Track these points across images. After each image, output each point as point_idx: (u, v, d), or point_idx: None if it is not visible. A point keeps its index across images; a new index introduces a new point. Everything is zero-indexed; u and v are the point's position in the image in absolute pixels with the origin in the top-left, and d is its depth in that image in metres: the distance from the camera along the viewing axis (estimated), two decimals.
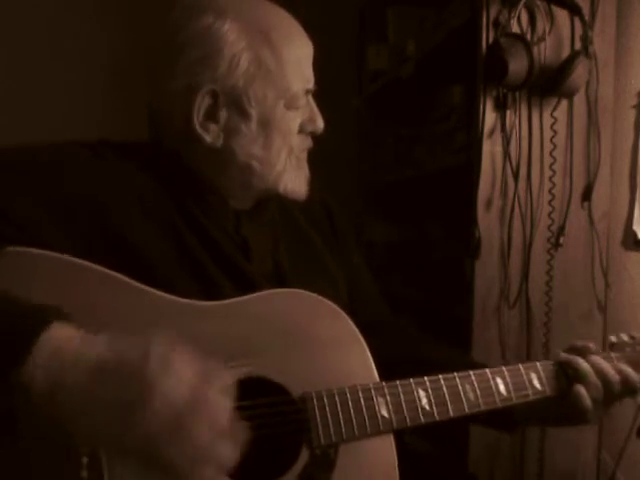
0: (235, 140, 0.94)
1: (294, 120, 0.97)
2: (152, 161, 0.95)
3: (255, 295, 0.87)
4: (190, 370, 0.69)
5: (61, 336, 0.68)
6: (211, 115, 0.93)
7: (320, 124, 1.01)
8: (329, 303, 0.90)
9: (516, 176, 1.54)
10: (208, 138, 0.93)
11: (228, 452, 0.69)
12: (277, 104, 0.94)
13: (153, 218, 0.90)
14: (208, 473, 0.69)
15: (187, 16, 0.93)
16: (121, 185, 0.90)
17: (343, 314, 0.91)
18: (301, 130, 0.99)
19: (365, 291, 1.16)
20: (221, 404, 0.69)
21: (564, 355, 1.03)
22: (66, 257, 0.78)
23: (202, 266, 0.90)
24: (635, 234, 1.61)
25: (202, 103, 0.92)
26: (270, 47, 0.93)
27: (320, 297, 0.91)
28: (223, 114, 0.93)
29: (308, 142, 1.02)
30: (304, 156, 1.02)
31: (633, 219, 1.62)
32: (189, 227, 0.92)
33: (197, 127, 0.92)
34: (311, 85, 0.99)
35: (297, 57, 0.96)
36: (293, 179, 0.99)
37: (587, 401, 0.98)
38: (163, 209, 0.92)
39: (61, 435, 0.68)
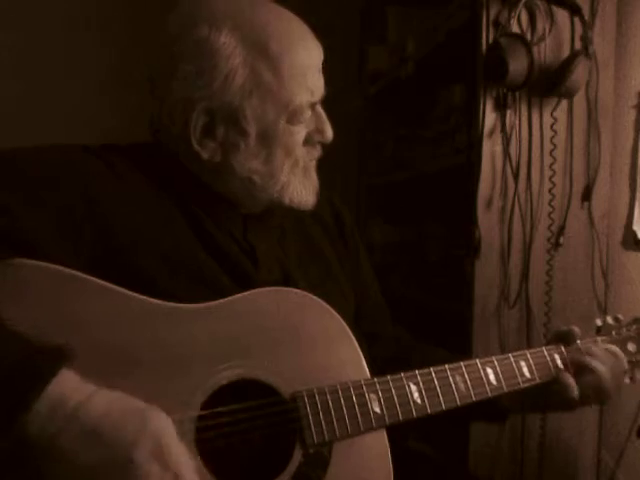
0: (234, 156, 0.91)
1: (298, 133, 0.94)
2: (156, 165, 0.93)
3: (241, 295, 0.86)
4: (169, 473, 0.67)
5: (59, 394, 0.66)
6: (208, 131, 0.90)
7: (329, 134, 0.97)
8: (315, 299, 0.90)
9: (516, 176, 1.54)
10: (205, 154, 0.91)
11: None
12: (278, 119, 0.91)
13: (157, 225, 0.88)
14: None
15: (183, 26, 0.90)
16: (124, 191, 0.88)
17: (330, 310, 0.90)
18: (308, 141, 0.96)
19: (369, 300, 1.14)
20: None
21: (572, 356, 1.04)
22: (59, 268, 0.77)
23: (208, 275, 0.88)
24: (635, 234, 1.61)
25: (198, 120, 0.89)
26: (269, 61, 0.89)
27: (306, 293, 0.90)
28: (220, 131, 0.90)
29: (316, 152, 0.99)
30: (312, 165, 0.99)
31: (633, 219, 1.62)
32: (195, 234, 0.91)
33: (194, 143, 0.90)
34: (318, 97, 0.95)
35: (300, 69, 0.91)
36: (299, 191, 0.96)
37: (575, 392, 1.00)
38: (168, 215, 0.90)
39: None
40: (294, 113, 0.92)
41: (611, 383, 1.02)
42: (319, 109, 0.97)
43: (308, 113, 0.94)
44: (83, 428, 0.66)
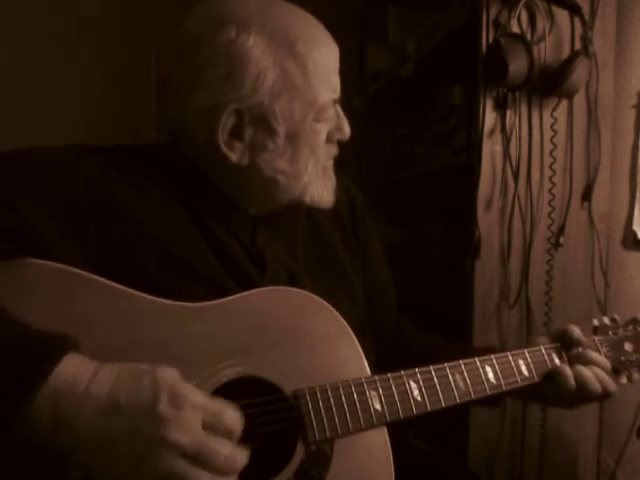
0: (261, 156, 0.92)
1: (322, 131, 0.95)
2: (165, 166, 0.93)
3: (242, 294, 0.87)
4: (196, 413, 0.70)
5: (69, 374, 0.67)
6: (236, 133, 0.90)
7: (347, 131, 0.98)
8: (316, 298, 0.90)
9: (516, 176, 1.55)
10: (234, 157, 0.91)
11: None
12: (305, 118, 0.92)
13: (163, 225, 0.88)
14: None
15: (209, 29, 0.89)
16: (131, 191, 0.88)
17: (331, 309, 0.90)
18: (328, 140, 0.97)
19: (376, 297, 1.14)
20: (227, 448, 0.71)
21: (575, 369, 1.03)
22: (64, 267, 0.77)
23: (214, 277, 0.89)
24: (635, 234, 1.61)
25: (227, 122, 0.89)
26: (296, 60, 0.90)
27: (307, 293, 0.90)
28: (249, 132, 0.90)
29: (334, 150, 1.00)
30: (330, 164, 1.00)
31: (633, 219, 1.62)
32: (201, 235, 0.91)
33: (222, 146, 0.90)
34: (338, 94, 0.96)
35: (324, 67, 0.92)
36: (320, 189, 0.97)
37: (572, 381, 1.00)
38: (174, 216, 0.90)
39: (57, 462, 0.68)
40: (319, 111, 0.93)
41: (599, 389, 1.02)
42: (338, 107, 0.98)
43: (331, 111, 0.95)
44: (99, 403, 0.67)
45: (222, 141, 0.90)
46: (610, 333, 1.13)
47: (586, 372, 1.02)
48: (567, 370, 1.01)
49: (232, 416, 0.73)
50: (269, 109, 0.89)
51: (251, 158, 0.92)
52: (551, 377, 1.02)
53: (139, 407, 0.68)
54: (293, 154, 0.93)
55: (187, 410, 0.69)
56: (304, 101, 0.91)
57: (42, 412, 0.65)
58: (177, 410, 0.68)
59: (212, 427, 0.71)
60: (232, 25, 0.88)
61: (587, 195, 1.61)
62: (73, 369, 0.68)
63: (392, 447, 0.89)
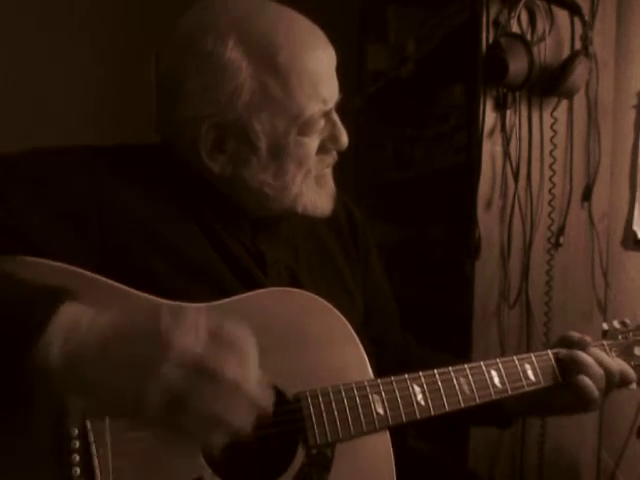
0: (245, 169, 0.90)
1: (311, 144, 0.91)
2: (167, 166, 0.93)
3: (245, 295, 0.86)
4: (202, 318, 0.67)
5: (72, 314, 0.67)
6: (218, 146, 0.88)
7: (344, 141, 0.93)
8: (320, 300, 0.89)
9: (516, 176, 1.55)
10: (216, 168, 0.89)
11: (257, 390, 0.68)
12: (289, 132, 0.88)
13: (167, 225, 0.88)
14: (241, 414, 0.66)
15: (193, 37, 0.87)
16: (134, 191, 0.87)
17: (336, 312, 0.89)
18: (321, 150, 0.93)
19: (378, 305, 1.13)
20: (243, 336, 0.69)
21: (564, 351, 1.02)
22: (67, 266, 0.77)
23: (217, 277, 0.88)
24: (635, 234, 1.61)
25: (207, 135, 0.87)
26: (277, 74, 0.86)
27: (311, 294, 0.89)
28: (230, 145, 0.88)
29: (330, 159, 0.96)
30: (327, 172, 0.96)
31: (633, 219, 1.62)
32: (204, 236, 0.90)
33: (204, 158, 0.88)
34: (331, 104, 0.91)
35: (311, 78, 0.87)
36: (313, 199, 0.94)
37: (594, 392, 0.98)
38: (178, 216, 0.90)
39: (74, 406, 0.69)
40: (305, 125, 0.89)
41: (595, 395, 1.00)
42: (333, 116, 0.93)
43: (321, 123, 0.91)
44: (104, 332, 0.66)
45: (204, 153, 0.88)
46: (620, 337, 1.10)
47: (604, 357, 1.01)
48: (587, 381, 0.98)
49: (235, 326, 0.70)
50: (248, 124, 0.87)
51: (235, 170, 0.90)
52: (572, 363, 1.00)
53: (142, 325, 0.67)
54: (278, 168, 0.90)
55: (190, 315, 0.67)
56: (287, 115, 0.87)
57: (51, 348, 0.65)
58: (179, 317, 0.66)
59: (218, 335, 0.68)
60: (211, 35, 0.85)
61: (587, 195, 1.61)
62: (75, 309, 0.68)
63: (392, 447, 0.88)
